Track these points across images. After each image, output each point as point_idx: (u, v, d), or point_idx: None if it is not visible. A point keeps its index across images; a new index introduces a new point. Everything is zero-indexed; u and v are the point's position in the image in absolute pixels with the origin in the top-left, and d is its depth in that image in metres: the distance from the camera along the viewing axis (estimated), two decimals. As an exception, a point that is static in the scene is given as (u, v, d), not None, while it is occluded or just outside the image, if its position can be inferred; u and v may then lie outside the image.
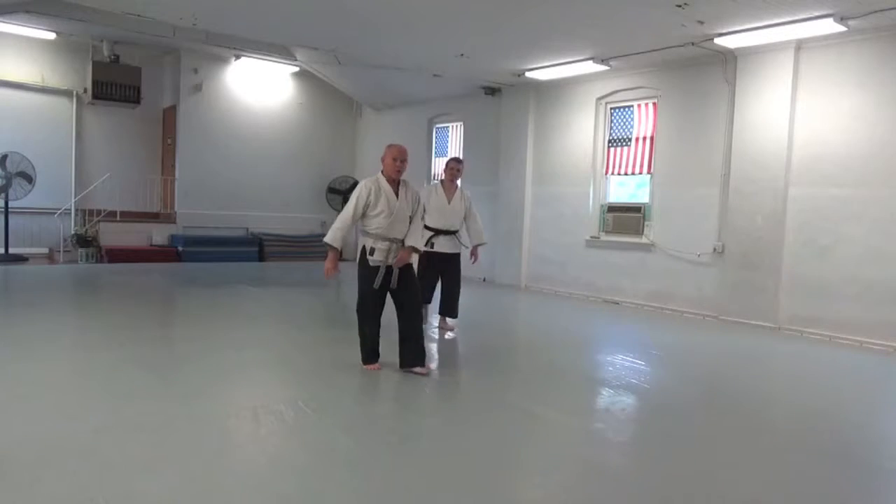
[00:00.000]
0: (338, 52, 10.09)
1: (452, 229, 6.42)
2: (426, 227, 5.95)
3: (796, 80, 7.49)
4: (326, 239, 4.70)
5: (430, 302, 6.65)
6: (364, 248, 4.71)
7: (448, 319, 6.64)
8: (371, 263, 4.68)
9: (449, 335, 6.46)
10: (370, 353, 4.84)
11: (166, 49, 12.90)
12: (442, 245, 6.36)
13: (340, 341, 5.86)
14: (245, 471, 3.09)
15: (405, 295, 4.82)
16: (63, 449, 3.22)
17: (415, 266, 5.07)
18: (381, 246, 4.68)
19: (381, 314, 4.83)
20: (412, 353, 4.78)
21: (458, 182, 6.58)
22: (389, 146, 4.82)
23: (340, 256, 4.80)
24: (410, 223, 4.83)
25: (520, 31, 8.04)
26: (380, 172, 4.81)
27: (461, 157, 6.47)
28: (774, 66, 7.62)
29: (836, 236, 7.18)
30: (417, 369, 4.74)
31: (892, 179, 6.81)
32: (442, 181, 6.52)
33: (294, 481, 3.07)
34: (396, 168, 4.70)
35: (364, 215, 4.69)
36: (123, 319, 6.81)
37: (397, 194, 4.71)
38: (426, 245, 5.98)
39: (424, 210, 5.19)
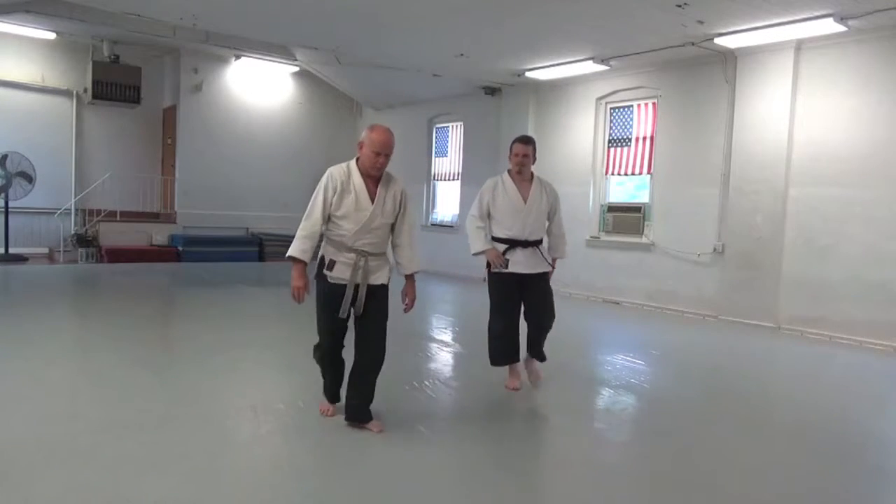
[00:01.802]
0: (338, 52, 10.09)
1: (533, 239, 4.53)
2: (495, 239, 4.52)
3: (796, 80, 7.49)
4: (290, 252, 3.50)
5: (515, 358, 4.64)
6: (322, 258, 3.58)
7: (536, 363, 4.69)
8: (330, 280, 3.52)
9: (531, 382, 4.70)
10: (333, 393, 3.83)
11: (166, 49, 12.89)
12: (520, 263, 4.47)
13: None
14: (245, 471, 3.09)
15: (370, 325, 3.61)
16: (63, 449, 3.22)
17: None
18: (344, 259, 3.51)
19: (340, 351, 3.73)
20: (361, 399, 3.65)
21: (534, 171, 4.65)
22: (371, 129, 3.54)
23: (328, 267, 3.55)
24: (395, 234, 3.69)
25: (520, 31, 8.04)
26: (354, 160, 3.60)
27: (531, 136, 4.76)
28: (774, 66, 7.61)
29: (836, 236, 7.18)
30: (371, 426, 3.62)
31: (892, 179, 6.81)
32: (509, 171, 4.62)
33: (294, 481, 3.07)
34: (378, 165, 3.50)
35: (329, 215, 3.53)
36: (123, 319, 6.81)
37: (373, 195, 3.53)
38: (498, 266, 4.45)
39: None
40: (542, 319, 4.61)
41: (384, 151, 3.48)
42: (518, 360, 4.64)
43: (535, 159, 4.59)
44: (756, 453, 3.65)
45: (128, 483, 2.87)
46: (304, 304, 3.62)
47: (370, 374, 3.63)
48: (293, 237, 3.55)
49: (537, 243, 4.59)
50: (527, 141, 4.58)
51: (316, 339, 3.76)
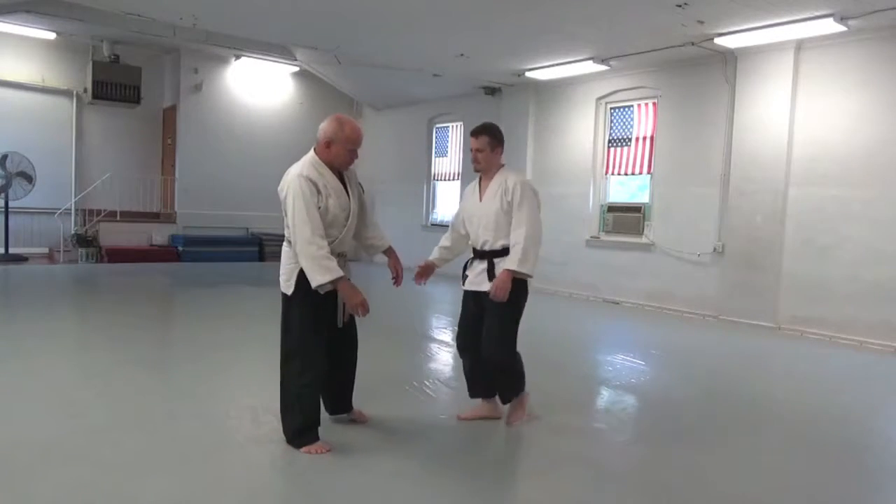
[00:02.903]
0: (338, 52, 10.09)
1: (486, 248, 3.72)
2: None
3: (796, 80, 7.49)
4: (325, 279, 3.08)
5: (475, 391, 3.95)
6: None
7: (500, 404, 3.92)
8: (322, 292, 3.15)
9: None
10: (314, 425, 3.33)
11: (166, 49, 12.90)
12: (471, 276, 3.79)
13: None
14: (245, 471, 3.09)
15: (348, 330, 3.52)
16: (63, 449, 3.22)
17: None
18: None
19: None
20: (348, 392, 3.66)
21: (502, 166, 3.85)
22: (341, 124, 3.27)
23: None
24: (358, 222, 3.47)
25: (520, 31, 8.04)
26: (312, 154, 3.29)
27: (488, 124, 3.94)
28: (774, 66, 7.61)
29: (836, 236, 7.18)
30: (357, 416, 3.70)
31: (892, 179, 6.81)
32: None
33: (294, 481, 3.07)
34: (351, 161, 3.32)
35: None
36: (123, 319, 6.80)
37: (347, 192, 3.32)
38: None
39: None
40: (484, 350, 3.68)
41: (358, 146, 3.28)
42: (479, 395, 3.93)
43: (497, 151, 3.80)
44: (756, 453, 3.65)
45: (128, 483, 2.87)
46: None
47: (354, 366, 3.63)
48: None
49: (492, 255, 3.67)
50: (476, 132, 3.80)
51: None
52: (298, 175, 3.18)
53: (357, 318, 3.42)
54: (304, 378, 3.25)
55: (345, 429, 3.63)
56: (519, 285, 3.60)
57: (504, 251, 3.63)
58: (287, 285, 3.28)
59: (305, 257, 3.10)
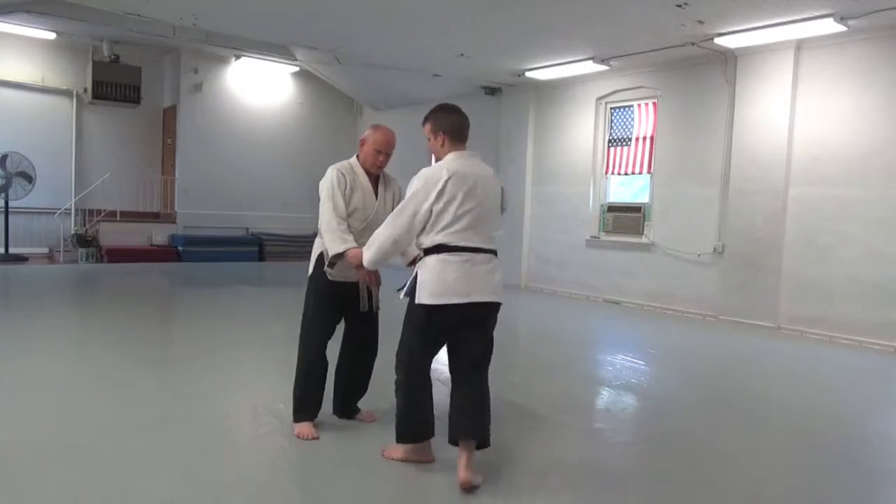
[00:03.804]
0: (338, 52, 10.09)
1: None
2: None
3: (796, 80, 7.49)
4: (341, 249, 3.28)
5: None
6: (322, 256, 3.46)
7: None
8: (330, 278, 3.44)
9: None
10: (314, 405, 3.60)
11: (166, 49, 12.90)
12: None
13: (340, 340, 5.85)
14: (245, 471, 3.09)
15: (370, 316, 3.68)
16: (63, 449, 3.22)
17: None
18: None
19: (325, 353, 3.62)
20: (361, 389, 3.83)
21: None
22: (374, 128, 3.63)
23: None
24: None
25: (520, 31, 8.04)
26: (354, 157, 3.64)
27: (432, 110, 3.76)
28: (774, 66, 7.61)
29: (836, 236, 7.18)
30: (363, 416, 3.82)
31: (892, 179, 6.81)
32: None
33: (294, 481, 3.07)
34: (378, 163, 3.56)
35: None
36: (123, 319, 6.81)
37: (376, 191, 3.60)
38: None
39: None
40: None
41: (385, 150, 3.57)
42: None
43: (439, 137, 3.55)
44: (757, 453, 3.65)
45: (127, 483, 2.87)
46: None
47: (372, 360, 3.79)
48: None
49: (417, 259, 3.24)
50: (423, 121, 3.58)
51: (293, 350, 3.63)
52: (332, 167, 3.56)
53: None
54: (303, 358, 3.61)
55: (346, 428, 3.63)
56: (415, 306, 3.05)
57: (426, 252, 3.10)
58: (309, 267, 3.60)
59: (326, 230, 3.39)
